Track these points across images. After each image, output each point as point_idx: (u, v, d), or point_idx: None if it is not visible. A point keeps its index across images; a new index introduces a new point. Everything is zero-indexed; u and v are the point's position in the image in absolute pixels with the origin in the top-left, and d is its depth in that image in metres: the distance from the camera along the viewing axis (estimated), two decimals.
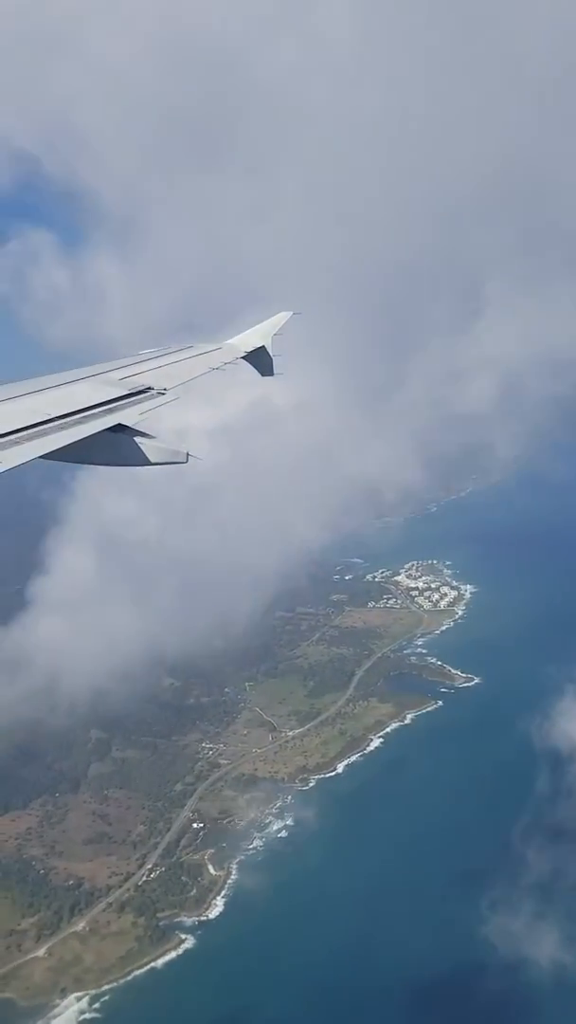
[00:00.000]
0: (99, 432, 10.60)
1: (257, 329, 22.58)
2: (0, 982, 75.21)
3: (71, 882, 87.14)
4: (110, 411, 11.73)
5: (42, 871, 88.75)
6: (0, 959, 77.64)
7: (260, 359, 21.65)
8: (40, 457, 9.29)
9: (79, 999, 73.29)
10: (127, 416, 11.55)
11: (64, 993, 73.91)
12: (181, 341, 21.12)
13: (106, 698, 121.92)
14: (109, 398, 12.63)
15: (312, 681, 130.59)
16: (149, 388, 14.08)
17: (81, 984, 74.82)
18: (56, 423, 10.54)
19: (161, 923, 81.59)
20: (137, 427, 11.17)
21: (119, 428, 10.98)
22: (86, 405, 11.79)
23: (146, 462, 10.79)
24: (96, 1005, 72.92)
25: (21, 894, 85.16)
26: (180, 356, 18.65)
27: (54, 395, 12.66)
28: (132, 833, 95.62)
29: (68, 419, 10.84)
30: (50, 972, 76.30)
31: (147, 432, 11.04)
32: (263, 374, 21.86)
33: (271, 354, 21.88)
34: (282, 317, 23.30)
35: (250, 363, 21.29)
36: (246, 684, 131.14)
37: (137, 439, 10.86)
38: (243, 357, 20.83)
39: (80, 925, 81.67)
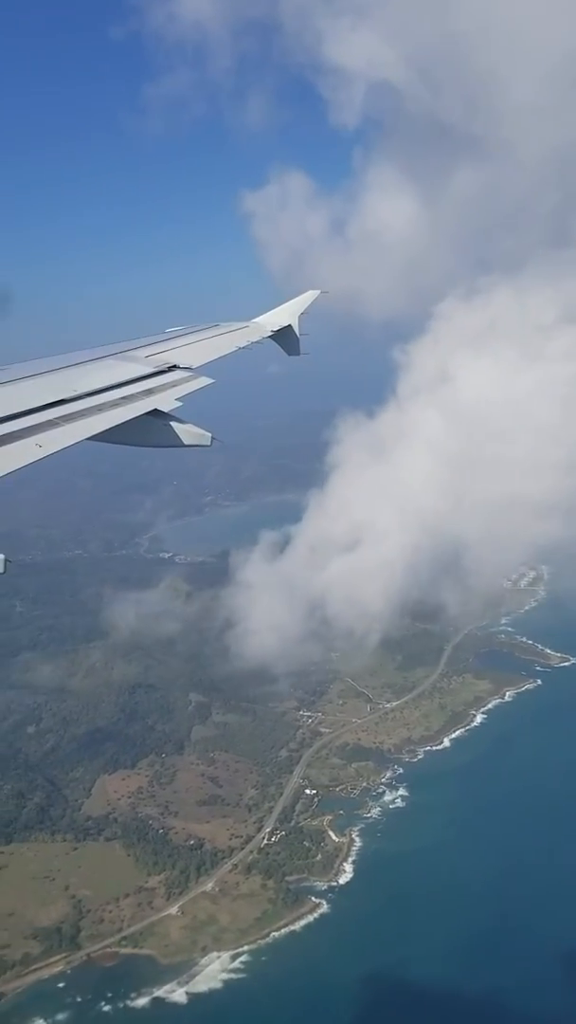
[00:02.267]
0: (137, 416, 11.12)
1: (284, 308, 22.45)
2: (138, 938, 74.03)
3: (191, 842, 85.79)
4: (147, 393, 12.25)
5: (161, 830, 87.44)
6: (133, 916, 76.52)
7: (287, 338, 21.67)
8: (81, 441, 9.73)
9: (220, 958, 71.96)
10: (163, 400, 12.04)
11: (204, 952, 72.62)
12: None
13: (208, 662, 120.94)
14: (136, 375, 13.10)
15: (400, 655, 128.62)
16: (175, 366, 14.32)
17: (220, 944, 73.51)
18: (87, 400, 11.07)
19: (291, 887, 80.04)
20: (171, 411, 11.74)
21: (154, 412, 11.53)
22: (114, 382, 12.32)
23: (179, 444, 11.45)
24: (237, 964, 71.57)
25: (144, 852, 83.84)
26: (206, 335, 18.74)
27: (82, 372, 13.20)
28: (244, 796, 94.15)
29: (99, 396, 11.43)
30: (186, 930, 75.03)
31: (179, 416, 11.64)
32: (289, 353, 21.88)
33: (298, 333, 21.87)
34: (309, 296, 23.04)
35: (277, 342, 21.39)
36: (332, 655, 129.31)
37: (172, 423, 11.48)
38: (270, 336, 20.84)
39: (208, 885, 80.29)
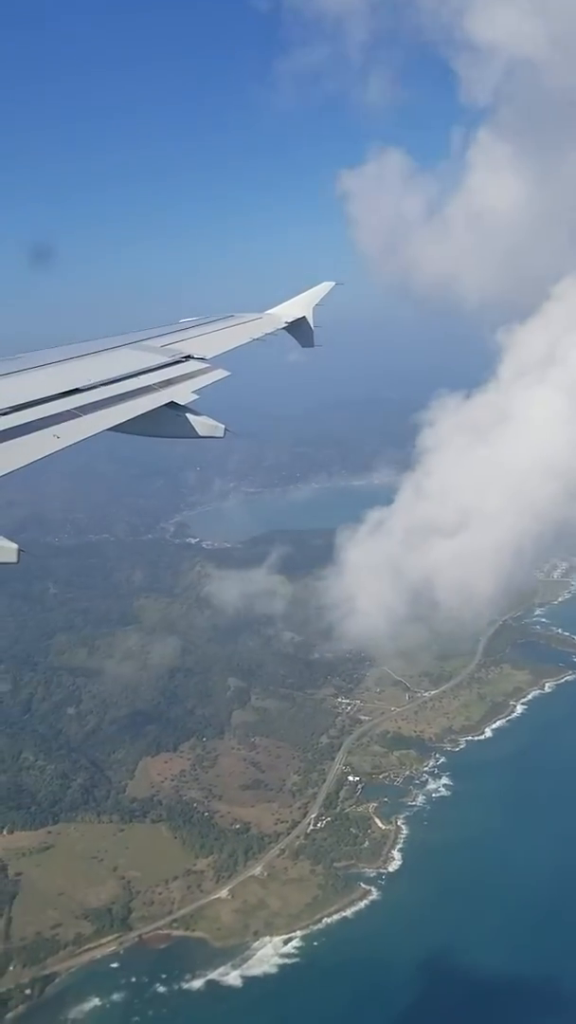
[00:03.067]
0: (155, 408, 11.36)
1: (299, 299, 22.45)
2: (189, 921, 73.72)
3: (237, 826, 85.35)
4: (163, 384, 12.39)
5: (206, 813, 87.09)
6: (183, 898, 76.23)
7: (301, 330, 21.73)
8: (98, 433, 9.86)
9: (272, 942, 71.54)
10: (179, 393, 12.22)
11: (257, 936, 72.22)
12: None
13: (237, 648, 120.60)
14: (152, 365, 13.23)
15: (435, 644, 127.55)
16: (189, 356, 14.38)
17: (272, 928, 73.08)
18: (102, 390, 11.22)
19: (340, 873, 79.53)
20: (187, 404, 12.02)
21: (170, 404, 11.77)
22: (129, 372, 12.44)
23: (194, 435, 11.77)
24: (290, 949, 71.14)
25: (190, 835, 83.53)
26: (220, 325, 18.82)
27: (97, 360, 13.41)
28: (287, 782, 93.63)
29: (114, 385, 11.59)
30: (237, 914, 74.65)
31: (195, 409, 11.94)
32: (303, 345, 21.87)
33: (312, 325, 21.87)
34: (324, 287, 23.00)
35: (291, 334, 21.38)
36: (367, 642, 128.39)
37: (187, 415, 11.76)
38: (284, 327, 20.84)
39: (257, 869, 79.87)
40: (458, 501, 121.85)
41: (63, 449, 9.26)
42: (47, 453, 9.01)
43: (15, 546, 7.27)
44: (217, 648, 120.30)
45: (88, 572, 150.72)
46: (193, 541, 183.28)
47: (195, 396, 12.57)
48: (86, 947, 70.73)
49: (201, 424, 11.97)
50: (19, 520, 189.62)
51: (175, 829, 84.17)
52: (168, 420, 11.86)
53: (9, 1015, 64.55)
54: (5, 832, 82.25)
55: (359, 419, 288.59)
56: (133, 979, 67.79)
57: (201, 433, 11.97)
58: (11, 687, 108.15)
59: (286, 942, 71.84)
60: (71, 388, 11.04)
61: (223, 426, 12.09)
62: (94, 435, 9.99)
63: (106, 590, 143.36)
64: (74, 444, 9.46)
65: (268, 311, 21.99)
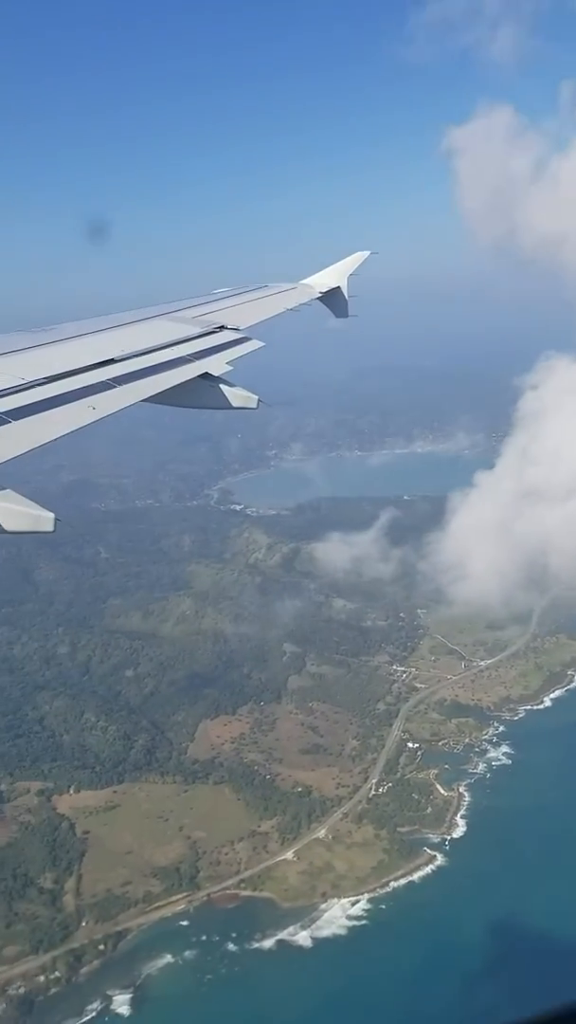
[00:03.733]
0: (189, 379, 11.47)
1: (333, 269, 22.25)
2: (256, 881, 74.31)
3: (299, 789, 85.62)
4: (197, 355, 12.44)
5: (267, 776, 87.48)
6: (249, 859, 76.80)
7: (335, 300, 21.56)
8: (133, 404, 10.05)
9: (340, 905, 71.88)
10: (213, 364, 12.26)
11: (325, 898, 72.61)
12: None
13: (290, 614, 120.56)
14: (185, 336, 13.25)
15: (489, 612, 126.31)
16: (223, 327, 14.39)
17: (339, 891, 73.40)
18: (137, 361, 11.35)
19: (404, 838, 79.53)
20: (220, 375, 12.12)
21: (204, 375, 11.85)
22: (163, 343, 12.52)
23: (227, 406, 11.81)
24: (357, 912, 71.43)
25: (253, 797, 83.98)
26: (254, 296, 18.73)
27: (132, 331, 13.43)
28: (346, 747, 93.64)
29: (148, 356, 11.72)
30: (304, 876, 75.08)
31: (228, 380, 12.00)
32: (337, 315, 21.73)
33: (346, 295, 21.70)
34: (359, 257, 22.76)
35: (325, 304, 21.25)
36: (418, 611, 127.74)
37: (221, 386, 11.80)
38: (318, 298, 20.68)
39: (321, 832, 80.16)
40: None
41: (99, 420, 9.36)
42: (83, 424, 9.10)
43: (51, 515, 7.29)
44: (270, 614, 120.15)
45: (137, 537, 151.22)
46: (238, 508, 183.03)
47: (229, 367, 12.60)
48: (156, 905, 71.69)
49: (235, 395, 12.02)
50: (66, 485, 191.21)
51: (238, 791, 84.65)
52: (202, 391, 11.94)
53: (84, 969, 65.79)
54: (72, 791, 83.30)
55: (405, 386, 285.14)
56: (204, 937, 68.57)
57: (234, 404, 12.01)
58: (69, 649, 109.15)
59: (353, 904, 72.12)
60: (106, 359, 11.13)
61: (256, 397, 12.12)
62: (129, 406, 10.12)
63: (156, 555, 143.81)
64: (109, 415, 9.57)
65: (302, 281, 21.87)
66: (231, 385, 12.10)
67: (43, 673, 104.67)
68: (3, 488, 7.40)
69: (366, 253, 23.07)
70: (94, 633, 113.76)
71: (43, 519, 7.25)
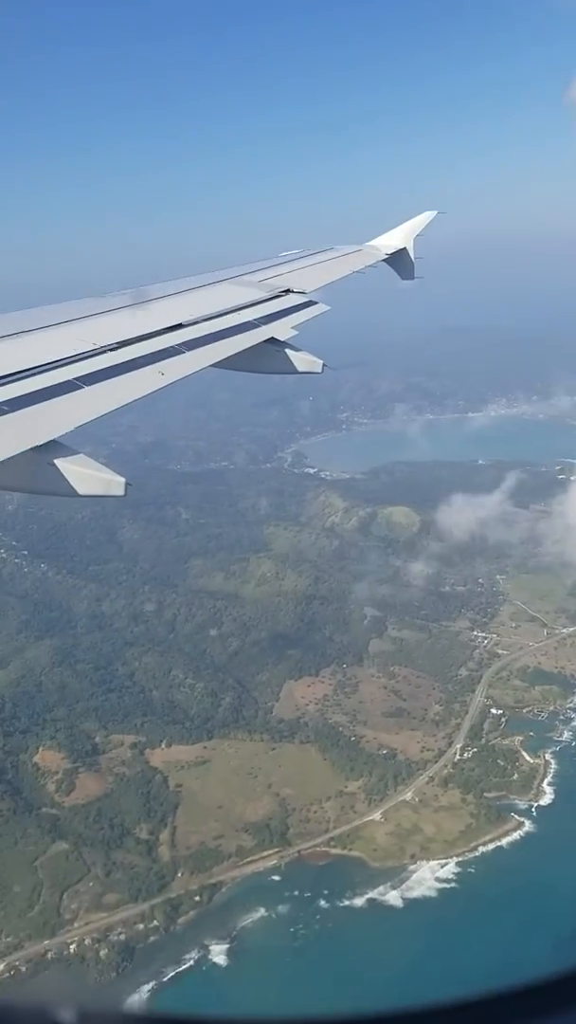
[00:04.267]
0: (257, 344, 11.72)
1: (399, 230, 21.83)
2: (345, 840, 75.53)
3: (384, 752, 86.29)
4: (263, 319, 12.53)
5: (352, 738, 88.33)
6: (337, 818, 78.03)
7: (401, 262, 21.22)
8: (201, 370, 10.43)
9: (429, 867, 72.60)
10: (279, 329, 12.38)
11: (414, 859, 73.42)
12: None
13: (369, 578, 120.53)
14: (251, 300, 13.30)
15: (570, 580, 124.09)
16: (288, 290, 14.41)
17: (428, 853, 74.12)
18: (204, 325, 11.56)
19: (491, 803, 79.61)
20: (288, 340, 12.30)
21: (271, 340, 12.02)
22: (230, 307, 12.61)
23: (293, 371, 12.26)
24: (447, 875, 72.06)
25: (339, 757, 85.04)
26: (319, 259, 18.54)
27: (199, 296, 13.50)
28: (429, 711, 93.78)
29: (215, 321, 11.92)
30: (392, 837, 75.97)
31: (293, 344, 12.24)
32: (403, 277, 21.39)
33: (412, 256, 21.33)
34: (425, 217, 22.30)
35: (391, 266, 20.97)
36: (497, 576, 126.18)
37: (287, 351, 12.09)
38: (384, 260, 20.43)
39: (408, 795, 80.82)
40: None
41: (168, 385, 9.42)
42: (152, 390, 9.26)
43: (122, 480, 7.49)
44: (349, 578, 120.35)
45: (215, 499, 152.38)
46: (312, 471, 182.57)
47: (294, 331, 12.54)
48: (248, 859, 73.56)
49: (300, 360, 12.01)
50: (143, 446, 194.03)
51: (324, 751, 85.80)
52: (268, 356, 11.96)
53: (181, 919, 68.15)
54: (164, 745, 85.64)
55: (479, 349, 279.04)
56: (296, 893, 70.16)
57: (300, 369, 12.05)
58: (155, 607, 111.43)
59: (442, 867, 72.76)
60: (174, 324, 11.21)
61: (321, 362, 12.11)
62: (196, 372, 10.20)
63: (234, 517, 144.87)
64: (177, 381, 9.64)
65: (368, 243, 21.57)
66: (297, 350, 12.09)
67: (131, 630, 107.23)
68: (77, 452, 7.64)
69: (433, 213, 22.65)
70: (178, 592, 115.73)
71: (114, 483, 7.54)
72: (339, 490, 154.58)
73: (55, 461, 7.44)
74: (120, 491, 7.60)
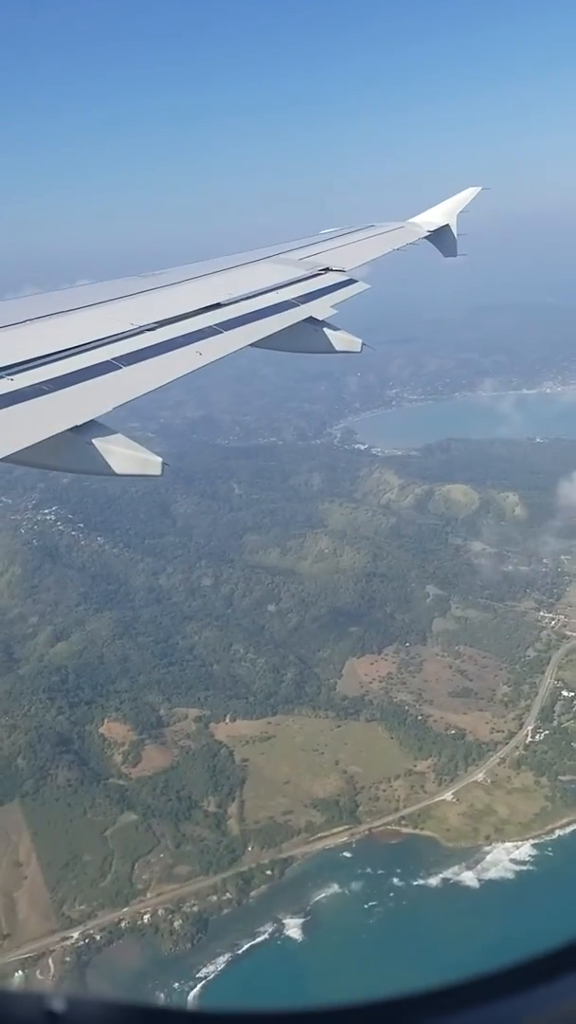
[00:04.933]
0: (295, 323, 11.65)
1: (442, 207, 21.49)
2: (416, 819, 74.12)
3: (452, 732, 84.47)
4: (302, 299, 12.48)
5: (419, 717, 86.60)
6: (407, 797, 76.66)
7: (444, 239, 20.88)
8: (241, 348, 10.42)
9: (505, 848, 70.90)
10: (318, 308, 12.36)
11: (488, 840, 71.75)
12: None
13: (428, 556, 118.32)
14: (290, 279, 13.37)
15: None
16: (328, 268, 14.49)
17: (503, 835, 72.44)
18: (242, 305, 11.56)
19: (567, 786, 77.45)
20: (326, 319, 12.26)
21: (309, 319, 11.97)
22: (268, 287, 12.63)
23: (332, 350, 12.14)
24: (523, 856, 70.32)
25: (406, 736, 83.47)
26: (360, 236, 18.32)
27: (238, 275, 13.61)
28: (497, 692, 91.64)
29: (253, 300, 11.87)
30: (465, 818, 74.36)
31: (333, 324, 12.18)
32: (446, 255, 21.06)
33: (455, 233, 20.98)
34: (469, 193, 21.85)
35: (433, 243, 20.65)
36: (562, 556, 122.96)
37: (326, 330, 12.02)
38: (426, 237, 20.14)
39: (479, 776, 79.06)
40: None
41: (206, 365, 9.45)
42: (190, 370, 9.27)
43: (159, 459, 7.67)
44: (408, 556, 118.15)
45: (267, 474, 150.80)
46: (362, 447, 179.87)
47: (334, 310, 12.46)
48: (318, 835, 72.56)
49: (339, 339, 11.97)
50: (190, 421, 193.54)
51: (390, 729, 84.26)
52: (306, 335, 11.86)
53: (253, 893, 67.41)
54: (228, 719, 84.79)
55: (530, 325, 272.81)
56: (368, 870, 69.05)
57: (338, 348, 11.98)
58: (212, 582, 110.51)
59: (517, 848, 71.02)
60: (213, 303, 11.22)
61: (360, 341, 12.10)
62: (234, 352, 10.13)
63: (287, 493, 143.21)
64: (215, 361, 9.63)
65: (410, 220, 21.26)
66: (335, 329, 12.01)
67: (189, 604, 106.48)
68: (115, 432, 7.67)
69: (476, 189, 22.05)
70: (235, 567, 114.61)
71: (151, 463, 7.69)
72: (393, 467, 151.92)
73: (93, 441, 7.52)
74: (157, 471, 7.71)
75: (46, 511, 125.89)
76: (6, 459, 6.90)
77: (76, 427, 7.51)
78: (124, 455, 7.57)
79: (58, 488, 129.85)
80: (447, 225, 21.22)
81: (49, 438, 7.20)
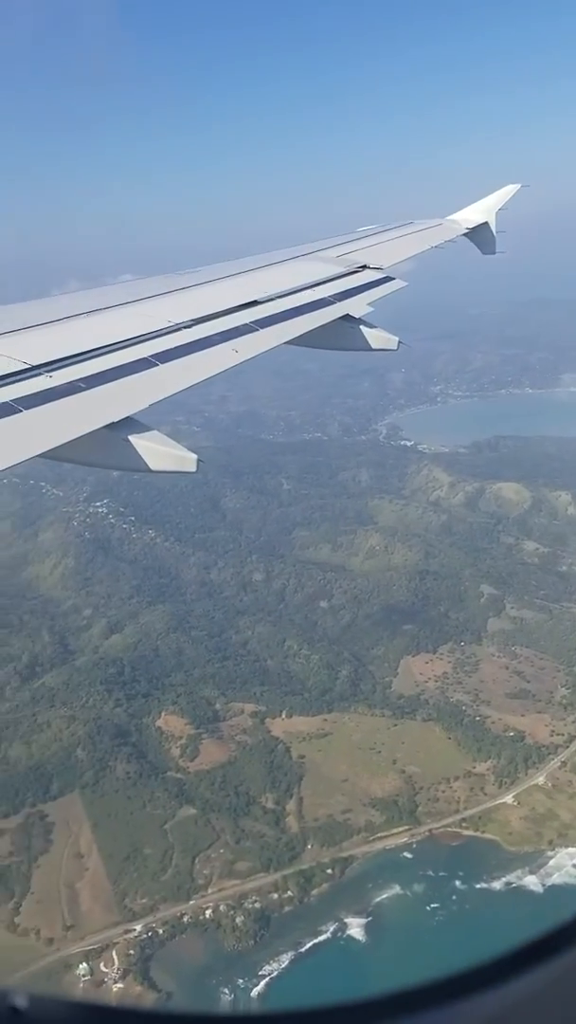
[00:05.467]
0: (331, 321, 11.65)
1: (481, 204, 21.44)
2: (477, 822, 73.19)
3: (511, 733, 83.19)
4: (338, 296, 12.43)
5: (477, 718, 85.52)
6: (467, 799, 75.70)
7: (482, 236, 20.78)
8: (277, 346, 10.44)
9: (569, 853, 69.67)
10: (355, 306, 12.28)
11: (552, 845, 70.61)
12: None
13: (480, 555, 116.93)
14: (326, 277, 13.36)
15: None
16: (365, 266, 14.43)
17: (567, 840, 71.01)
18: (278, 303, 11.52)
19: None
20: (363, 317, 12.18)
21: (345, 317, 11.91)
22: (304, 284, 12.57)
23: (368, 348, 12.01)
24: None
25: (464, 737, 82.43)
26: (398, 233, 18.32)
27: (274, 272, 13.65)
28: (555, 694, 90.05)
29: (289, 298, 11.82)
30: (527, 822, 73.20)
31: (370, 321, 12.11)
32: (484, 252, 20.94)
33: (494, 231, 20.90)
34: (509, 191, 21.81)
35: (471, 240, 20.52)
36: None
37: (362, 328, 11.97)
38: (464, 234, 20.05)
39: (539, 779, 77.78)
40: None
41: (242, 363, 9.48)
42: (225, 368, 9.31)
43: (194, 456, 7.73)
44: (460, 554, 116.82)
45: (314, 470, 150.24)
46: (408, 443, 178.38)
47: (370, 308, 12.40)
48: (378, 835, 71.94)
49: (375, 337, 11.89)
50: (235, 416, 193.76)
51: (448, 730, 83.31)
52: (343, 333, 11.83)
53: (314, 891, 67.05)
54: (284, 715, 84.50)
55: (573, 320, 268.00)
56: (430, 872, 68.32)
57: (375, 346, 11.91)
58: (264, 577, 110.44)
59: None
60: (249, 300, 11.24)
61: (396, 339, 11.98)
62: (270, 349, 10.13)
63: (335, 488, 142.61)
64: (251, 359, 9.66)
65: (449, 217, 21.15)
66: (372, 327, 11.93)
67: (241, 599, 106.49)
68: (151, 429, 7.73)
69: (516, 186, 21.96)
70: (286, 563, 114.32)
71: (187, 460, 7.72)
72: (442, 464, 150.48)
73: (129, 437, 7.60)
74: (192, 467, 7.77)
75: (97, 504, 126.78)
76: (44, 455, 6.92)
77: (112, 424, 7.61)
78: (160, 452, 7.66)
79: (109, 481, 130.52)
80: (486, 222, 21.04)
81: (86, 435, 7.30)
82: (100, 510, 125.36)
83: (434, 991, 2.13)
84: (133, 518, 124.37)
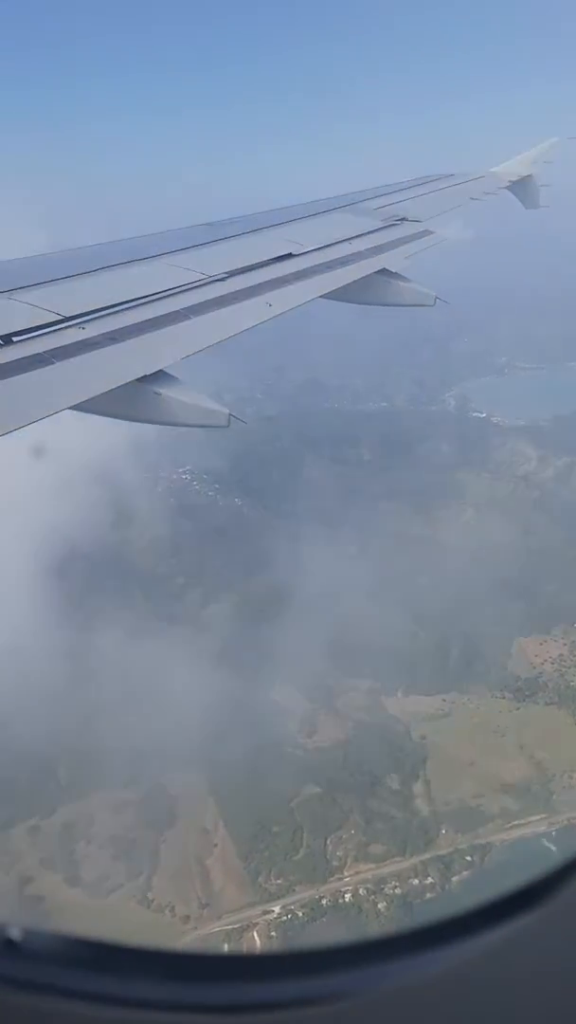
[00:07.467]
0: (367, 275, 11.48)
1: (525, 157, 21.15)
2: None
3: None
4: (375, 250, 12.34)
5: None
6: None
7: (526, 190, 20.33)
8: (314, 299, 10.25)
9: None
10: (392, 259, 12.11)
11: None
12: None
13: None
14: (364, 230, 13.27)
15: None
16: (404, 219, 14.32)
17: None
18: (314, 256, 11.38)
19: None
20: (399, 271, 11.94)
21: (382, 271, 11.75)
22: (341, 237, 12.47)
23: (401, 303, 11.82)
24: None
25: None
26: (438, 186, 18.13)
27: (311, 224, 13.45)
28: None
29: (325, 251, 11.73)
30: None
31: (405, 275, 11.86)
32: (527, 206, 20.45)
33: (538, 184, 20.48)
34: (552, 144, 21.54)
35: (514, 194, 20.12)
36: None
37: (398, 282, 11.74)
38: (506, 187, 19.70)
39: None
40: None
41: (276, 316, 9.35)
42: (259, 321, 9.19)
43: (226, 411, 7.70)
44: (561, 531, 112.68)
45: (390, 441, 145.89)
46: (480, 415, 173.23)
47: (408, 262, 12.33)
48: (514, 822, 69.08)
49: (411, 291, 11.71)
50: (297, 384, 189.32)
51: (575, 715, 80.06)
52: (378, 287, 11.62)
53: (455, 879, 64.46)
54: (399, 694, 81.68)
55: None
56: None
57: (410, 301, 11.72)
58: (357, 550, 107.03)
59: None
60: (284, 253, 11.16)
61: (434, 294, 11.75)
62: (305, 303, 10.03)
63: (415, 460, 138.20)
64: (285, 312, 9.55)
65: (491, 169, 20.54)
66: (407, 281, 11.71)
67: (337, 572, 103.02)
68: (181, 383, 7.66)
69: (560, 139, 21.64)
70: (377, 536, 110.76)
71: (218, 414, 7.76)
72: (527, 437, 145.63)
73: (160, 391, 7.53)
74: (223, 422, 7.69)
75: (180, 470, 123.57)
76: (77, 407, 6.82)
77: (144, 376, 7.48)
78: (191, 406, 7.56)
79: (189, 446, 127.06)
80: (530, 175, 20.29)
81: (118, 387, 7.20)
82: (184, 476, 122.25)
83: (432, 932, 2.14)
84: (218, 485, 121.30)
